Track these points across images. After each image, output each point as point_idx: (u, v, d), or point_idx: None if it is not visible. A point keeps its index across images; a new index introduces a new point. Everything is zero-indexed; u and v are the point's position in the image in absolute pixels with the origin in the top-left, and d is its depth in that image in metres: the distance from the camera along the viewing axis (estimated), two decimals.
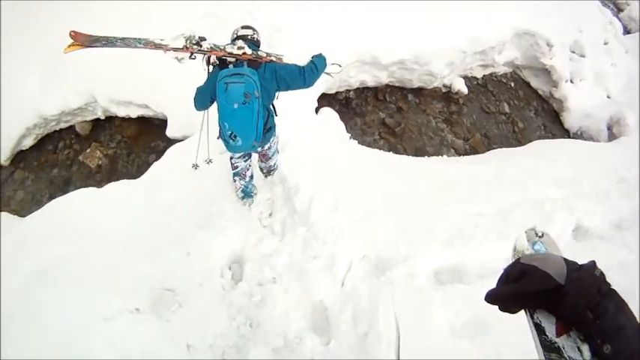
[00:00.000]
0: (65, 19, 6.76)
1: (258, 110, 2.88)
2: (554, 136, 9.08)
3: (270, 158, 3.95)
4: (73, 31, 2.72)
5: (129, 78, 5.93)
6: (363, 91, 7.57)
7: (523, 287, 0.89)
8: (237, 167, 3.76)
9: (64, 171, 6.34)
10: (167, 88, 5.80)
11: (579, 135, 9.23)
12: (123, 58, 5.60)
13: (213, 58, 2.97)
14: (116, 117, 6.39)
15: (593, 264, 0.88)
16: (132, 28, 7.31)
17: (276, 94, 3.15)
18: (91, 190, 4.86)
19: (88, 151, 6.32)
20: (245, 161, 3.76)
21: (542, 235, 1.49)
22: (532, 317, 0.93)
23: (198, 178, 4.65)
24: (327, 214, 4.29)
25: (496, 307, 0.93)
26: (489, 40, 7.89)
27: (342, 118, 7.07)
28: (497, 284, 0.97)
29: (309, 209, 4.31)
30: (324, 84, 6.69)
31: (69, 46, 2.74)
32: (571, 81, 9.39)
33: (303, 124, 5.83)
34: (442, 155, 7.38)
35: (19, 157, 6.47)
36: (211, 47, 2.87)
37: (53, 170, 6.37)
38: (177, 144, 5.37)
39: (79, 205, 4.59)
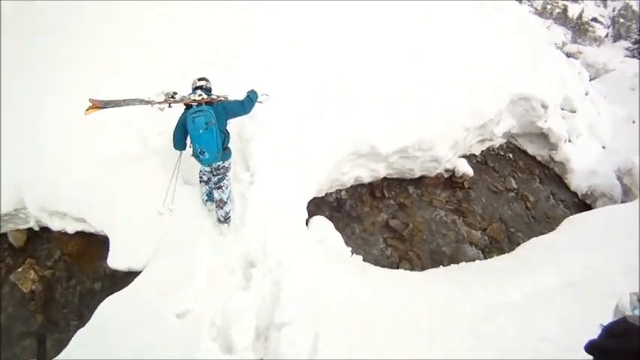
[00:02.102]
0: None
1: (216, 132, 3.92)
2: (563, 202, 8.18)
3: (225, 203, 4.42)
4: (91, 98, 3.78)
5: (63, 184, 4.83)
6: (356, 189, 6.21)
7: (625, 344, 0.98)
8: (202, 177, 4.59)
9: None
10: (108, 201, 4.71)
11: (590, 195, 8.36)
12: (57, 158, 4.91)
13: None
14: None
15: None
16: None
17: (228, 120, 4.17)
18: None
19: (20, 270, 5.20)
20: (209, 172, 4.43)
21: None
22: None
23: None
24: None
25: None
26: (489, 112, 6.89)
27: (336, 226, 5.61)
28: (598, 337, 1.11)
29: None
30: (315, 187, 5.34)
31: (88, 109, 3.76)
32: (569, 140, 8.62)
33: (296, 251, 4.39)
34: (460, 258, 6.08)
35: None
36: (182, 98, 4.02)
37: None
38: (117, 295, 4.01)
39: None
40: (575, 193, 8.46)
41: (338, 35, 6.64)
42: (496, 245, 6.64)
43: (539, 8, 28.36)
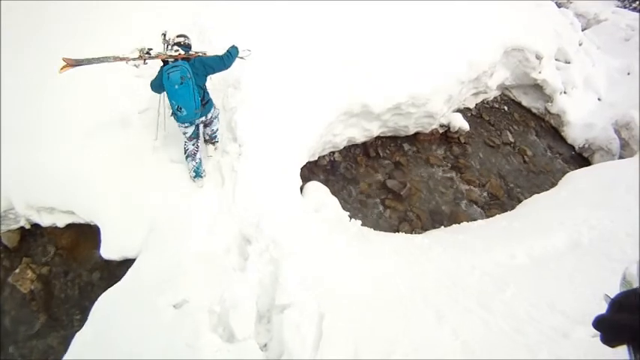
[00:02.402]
0: None
1: (193, 88, 3.89)
2: (561, 156, 8.02)
3: (212, 123, 4.52)
4: (64, 57, 3.70)
5: (47, 178, 4.60)
6: (349, 149, 5.97)
7: None
8: (187, 149, 4.37)
9: None
10: (94, 189, 4.45)
11: (587, 148, 8.21)
12: (38, 152, 4.64)
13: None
14: None
15: None
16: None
17: (207, 77, 4.12)
18: None
19: (18, 271, 5.01)
20: (193, 144, 4.37)
21: None
22: (635, 356, 0.86)
23: None
24: None
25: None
26: (482, 64, 6.63)
27: (332, 190, 5.41)
28: (607, 310, 0.97)
29: None
30: (306, 151, 5.09)
31: (62, 67, 3.71)
32: (564, 92, 8.40)
33: (292, 224, 4.16)
34: (460, 217, 5.91)
35: None
36: (157, 53, 3.94)
37: None
38: (111, 291, 3.74)
39: None
40: (572, 146, 8.32)
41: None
42: (496, 201, 6.49)
43: None
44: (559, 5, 11.61)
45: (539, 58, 7.80)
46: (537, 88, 8.09)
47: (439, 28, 6.63)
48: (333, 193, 5.38)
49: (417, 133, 6.27)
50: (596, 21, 12.95)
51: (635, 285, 1.31)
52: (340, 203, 5.31)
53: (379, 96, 5.51)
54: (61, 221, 4.73)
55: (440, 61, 6.12)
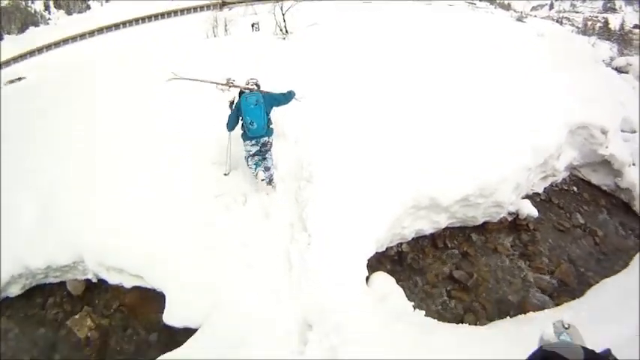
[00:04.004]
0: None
1: (263, 110, 5.15)
2: (634, 232, 7.63)
3: (269, 168, 5.59)
4: (173, 72, 5.46)
5: (121, 241, 5.15)
6: (417, 240, 6.03)
7: None
8: (250, 151, 5.45)
9: (51, 332, 5.37)
10: (165, 260, 4.91)
11: None
12: (116, 216, 5.39)
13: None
14: None
15: (608, 351, 1.15)
16: None
17: (272, 108, 5.39)
18: None
19: (77, 317, 5.33)
20: (255, 152, 5.46)
21: (569, 326, 1.62)
22: None
23: None
24: None
25: None
26: (549, 148, 6.58)
27: (397, 280, 5.46)
28: None
29: None
30: (374, 243, 5.19)
31: (169, 79, 5.45)
32: (633, 164, 8.10)
33: (355, 312, 4.26)
34: (527, 306, 5.73)
35: (6, 304, 5.60)
36: (239, 84, 5.46)
37: (40, 329, 5.42)
38: (173, 353, 4.22)
39: None
40: None
41: (385, 82, 6.57)
42: (565, 288, 6.26)
43: (580, 26, 27.52)
44: (619, 70, 11.31)
45: (604, 132, 7.62)
46: (606, 163, 7.85)
47: (501, 112, 6.72)
48: (399, 283, 5.42)
49: (485, 223, 6.25)
50: None
51: (552, 342, 1.54)
52: (405, 293, 5.33)
53: (447, 188, 5.60)
54: (129, 283, 5.15)
55: (505, 147, 6.15)
